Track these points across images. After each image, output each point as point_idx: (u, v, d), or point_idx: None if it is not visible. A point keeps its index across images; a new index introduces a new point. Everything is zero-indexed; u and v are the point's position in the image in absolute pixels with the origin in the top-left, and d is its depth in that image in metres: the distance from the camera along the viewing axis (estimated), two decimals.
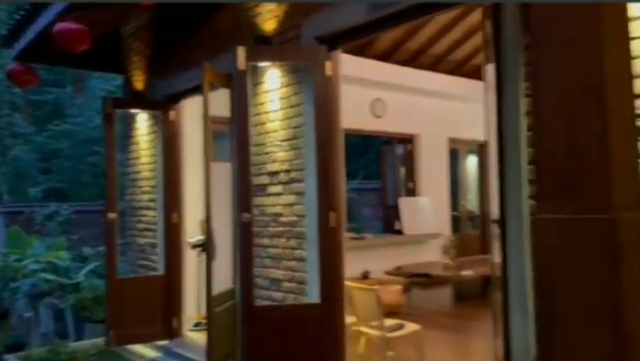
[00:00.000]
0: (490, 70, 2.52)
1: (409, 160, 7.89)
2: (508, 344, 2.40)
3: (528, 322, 2.24)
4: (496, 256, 2.56)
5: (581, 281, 1.84)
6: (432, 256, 7.63)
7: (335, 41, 3.61)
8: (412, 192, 7.82)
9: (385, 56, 6.93)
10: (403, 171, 8.00)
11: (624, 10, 2.04)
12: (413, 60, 7.20)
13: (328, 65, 3.56)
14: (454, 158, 8.42)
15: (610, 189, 1.82)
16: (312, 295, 3.65)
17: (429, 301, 6.96)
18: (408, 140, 7.84)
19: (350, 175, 11.90)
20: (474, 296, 6.53)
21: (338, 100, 3.66)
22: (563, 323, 1.88)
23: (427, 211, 7.68)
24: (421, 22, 6.31)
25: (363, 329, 4.13)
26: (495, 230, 2.56)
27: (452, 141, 8.12)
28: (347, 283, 3.87)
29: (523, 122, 2.36)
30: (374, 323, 4.02)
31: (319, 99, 3.55)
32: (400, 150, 8.03)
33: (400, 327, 4.10)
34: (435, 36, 6.84)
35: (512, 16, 2.43)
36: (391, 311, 5.43)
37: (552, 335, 1.91)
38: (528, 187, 2.34)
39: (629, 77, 2.06)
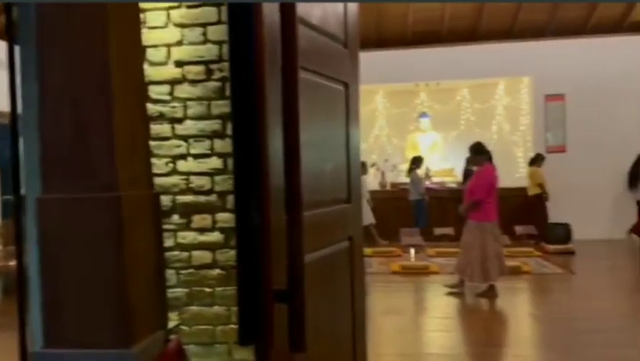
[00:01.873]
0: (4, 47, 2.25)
1: None
2: (24, 336, 2.26)
3: None
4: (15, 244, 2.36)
5: (88, 260, 1.87)
6: None
7: None
8: None
9: None
10: None
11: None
12: None
13: None
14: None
15: (115, 168, 1.90)
16: None
17: None
18: None
19: None
20: None
21: None
22: (72, 305, 1.87)
23: None
24: None
25: None
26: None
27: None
28: None
29: None
30: None
31: None
32: None
33: None
34: None
35: None
36: None
37: (62, 319, 1.87)
38: None
39: (138, 64, 2.22)
